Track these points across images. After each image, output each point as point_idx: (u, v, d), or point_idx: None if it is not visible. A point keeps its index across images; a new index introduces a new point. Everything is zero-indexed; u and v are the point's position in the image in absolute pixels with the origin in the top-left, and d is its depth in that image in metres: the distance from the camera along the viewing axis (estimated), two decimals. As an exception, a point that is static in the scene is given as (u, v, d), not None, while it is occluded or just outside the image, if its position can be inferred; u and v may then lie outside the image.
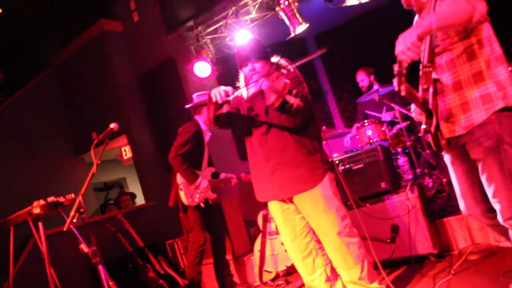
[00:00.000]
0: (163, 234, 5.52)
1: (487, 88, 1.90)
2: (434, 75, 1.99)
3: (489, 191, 1.94)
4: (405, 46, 1.69)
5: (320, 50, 2.33)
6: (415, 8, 2.14)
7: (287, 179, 2.64)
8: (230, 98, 2.56)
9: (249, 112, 2.75)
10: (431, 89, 1.93)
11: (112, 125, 2.91)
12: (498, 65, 1.92)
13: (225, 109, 2.64)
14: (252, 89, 2.75)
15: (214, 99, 2.56)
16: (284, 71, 2.76)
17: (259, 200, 2.87)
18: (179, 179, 3.93)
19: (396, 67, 1.73)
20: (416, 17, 2.24)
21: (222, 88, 2.57)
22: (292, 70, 2.74)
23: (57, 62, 7.45)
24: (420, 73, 1.93)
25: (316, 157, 2.68)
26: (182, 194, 3.90)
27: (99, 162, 2.79)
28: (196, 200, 3.89)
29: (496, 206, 1.94)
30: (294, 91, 2.37)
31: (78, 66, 7.12)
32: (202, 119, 4.09)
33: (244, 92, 2.79)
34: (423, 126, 1.99)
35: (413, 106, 2.15)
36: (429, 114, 1.94)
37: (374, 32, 6.52)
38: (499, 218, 1.94)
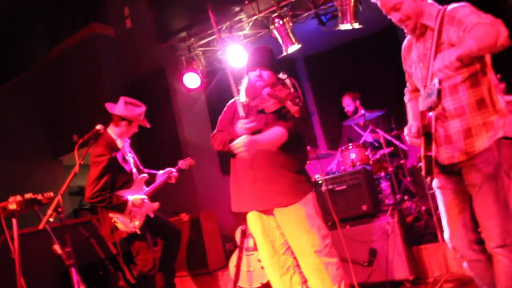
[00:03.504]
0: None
1: (490, 116, 1.95)
2: None
3: (482, 217, 1.98)
4: (442, 64, 1.73)
5: None
6: (409, 28, 2.13)
7: (270, 191, 2.62)
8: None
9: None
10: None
11: (98, 127, 2.89)
12: (497, 93, 1.98)
13: None
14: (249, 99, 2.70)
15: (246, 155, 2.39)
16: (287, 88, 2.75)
17: (234, 210, 2.80)
18: (110, 212, 3.62)
19: (437, 84, 1.79)
20: (407, 39, 2.26)
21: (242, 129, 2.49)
22: (293, 90, 2.75)
23: (43, 62, 7.35)
24: (422, 97, 1.96)
25: (301, 176, 2.69)
26: (120, 226, 3.58)
27: (82, 162, 2.74)
28: (137, 223, 3.60)
29: (486, 234, 1.97)
30: (296, 100, 2.39)
31: (64, 68, 7.02)
32: (118, 132, 3.74)
33: (242, 96, 2.78)
34: (422, 151, 1.96)
35: (406, 130, 2.14)
36: (429, 138, 1.94)
37: (362, 59, 6.66)
38: (489, 244, 1.98)
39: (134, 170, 3.84)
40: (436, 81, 1.78)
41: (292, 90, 2.73)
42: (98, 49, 6.57)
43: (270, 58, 2.71)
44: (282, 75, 2.79)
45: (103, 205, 3.56)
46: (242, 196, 2.73)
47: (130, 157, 3.89)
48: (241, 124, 2.52)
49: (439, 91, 1.78)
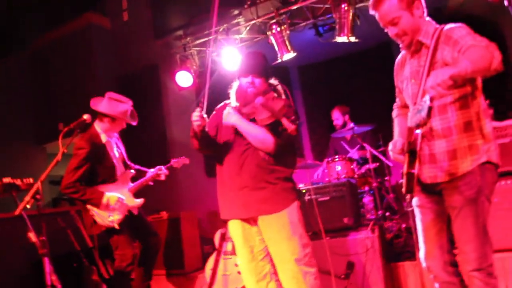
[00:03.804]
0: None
1: (476, 139, 1.96)
2: None
3: (460, 240, 1.98)
4: (435, 82, 1.71)
5: None
6: (404, 44, 2.13)
7: (255, 198, 2.60)
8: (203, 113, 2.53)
9: (233, 128, 2.70)
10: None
11: (85, 116, 2.85)
12: (485, 118, 1.99)
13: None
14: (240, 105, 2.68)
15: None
16: (277, 95, 2.74)
17: (223, 218, 2.80)
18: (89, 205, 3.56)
19: (428, 101, 1.75)
20: (401, 54, 2.26)
21: (195, 117, 2.53)
22: (284, 97, 2.75)
23: (34, 47, 7.26)
24: (412, 113, 1.95)
25: (288, 184, 2.68)
26: (98, 219, 3.53)
27: (65, 151, 2.69)
28: (116, 218, 3.55)
29: (463, 257, 1.97)
30: (293, 117, 2.38)
31: (56, 55, 6.95)
32: (103, 128, 3.69)
33: (233, 100, 2.76)
34: (405, 167, 1.95)
35: (390, 145, 2.14)
36: (413, 156, 1.92)
37: (356, 72, 6.71)
38: (465, 267, 1.97)
39: (119, 165, 3.78)
40: (427, 98, 1.76)
41: (283, 96, 2.73)
42: (92, 39, 6.53)
43: (263, 65, 2.68)
44: (273, 81, 2.78)
45: (76, 197, 3.53)
46: (227, 203, 2.72)
47: (116, 152, 3.83)
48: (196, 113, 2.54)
49: (430, 109, 1.76)
